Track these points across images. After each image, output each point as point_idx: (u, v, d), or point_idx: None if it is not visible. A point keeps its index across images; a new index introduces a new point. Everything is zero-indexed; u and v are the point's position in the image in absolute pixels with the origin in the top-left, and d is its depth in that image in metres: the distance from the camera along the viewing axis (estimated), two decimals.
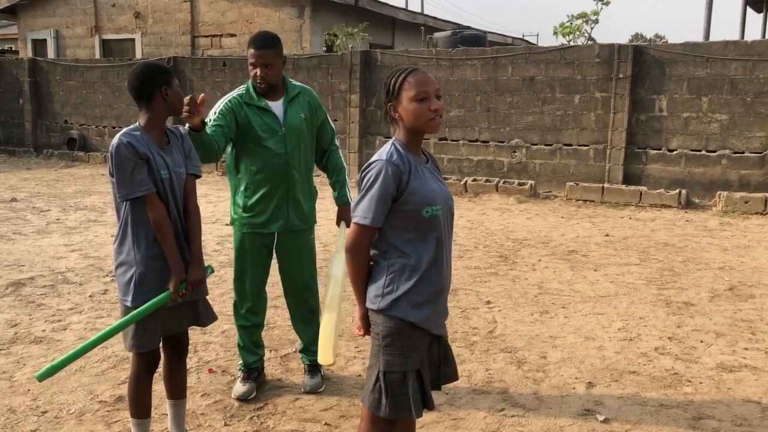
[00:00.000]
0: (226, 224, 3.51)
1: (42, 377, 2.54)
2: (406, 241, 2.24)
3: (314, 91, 3.67)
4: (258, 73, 3.32)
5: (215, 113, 3.36)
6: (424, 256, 2.25)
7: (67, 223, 8.26)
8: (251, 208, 3.48)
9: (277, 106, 3.43)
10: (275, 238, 3.54)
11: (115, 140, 2.68)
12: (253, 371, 3.66)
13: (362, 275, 2.30)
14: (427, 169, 2.31)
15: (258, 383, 3.65)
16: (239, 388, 3.57)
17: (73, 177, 12.80)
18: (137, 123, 2.77)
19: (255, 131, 3.39)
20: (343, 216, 3.58)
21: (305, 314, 3.71)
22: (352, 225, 2.27)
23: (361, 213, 2.21)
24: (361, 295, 2.32)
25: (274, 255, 3.62)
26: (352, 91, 12.14)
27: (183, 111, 2.91)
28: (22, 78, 16.12)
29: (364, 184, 2.22)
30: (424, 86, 2.22)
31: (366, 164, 2.26)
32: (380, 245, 2.28)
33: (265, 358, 3.85)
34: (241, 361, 3.71)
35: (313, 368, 3.71)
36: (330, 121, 3.70)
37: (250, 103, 3.40)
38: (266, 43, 3.32)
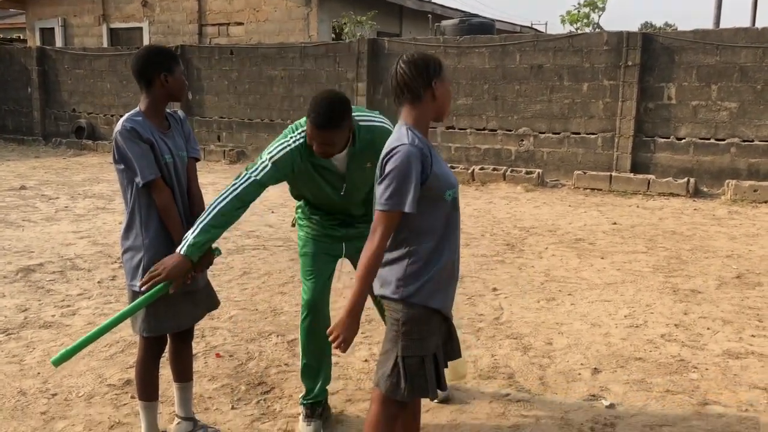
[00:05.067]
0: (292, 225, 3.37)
1: (57, 362, 2.57)
2: (428, 226, 2.21)
3: (385, 125, 2.96)
4: (316, 150, 2.77)
5: (269, 161, 2.80)
6: (444, 241, 2.23)
7: (76, 211, 8.31)
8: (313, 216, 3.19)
9: (339, 158, 2.90)
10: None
11: (118, 126, 2.69)
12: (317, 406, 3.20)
13: (374, 273, 2.20)
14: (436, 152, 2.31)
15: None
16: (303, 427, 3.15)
17: (81, 165, 12.86)
18: (138, 108, 2.77)
19: (315, 181, 2.98)
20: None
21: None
22: (382, 213, 2.16)
23: (395, 200, 2.12)
24: (364, 294, 2.20)
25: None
26: (359, 79, 12.12)
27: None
28: (30, 67, 16.16)
29: (390, 170, 2.13)
30: None
31: (388, 150, 2.17)
32: (400, 233, 2.22)
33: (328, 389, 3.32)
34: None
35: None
36: None
37: (310, 160, 2.88)
38: (329, 122, 2.67)
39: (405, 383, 2.24)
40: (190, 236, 2.65)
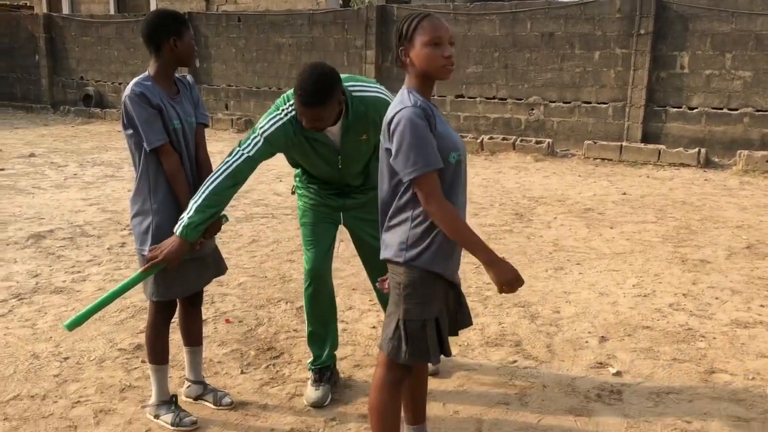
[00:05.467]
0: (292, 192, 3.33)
1: (70, 327, 2.59)
2: None
3: (380, 95, 2.87)
4: (306, 125, 2.71)
5: (261, 137, 2.74)
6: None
7: (85, 178, 8.34)
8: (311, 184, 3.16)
9: (333, 131, 2.83)
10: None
11: (127, 90, 2.67)
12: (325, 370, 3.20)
13: (462, 221, 2.19)
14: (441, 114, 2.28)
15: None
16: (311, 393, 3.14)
17: (89, 133, 12.86)
18: (147, 72, 2.75)
19: (309, 155, 2.92)
20: None
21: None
22: (418, 181, 2.11)
23: (422, 162, 2.09)
24: (478, 241, 2.19)
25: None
26: (367, 47, 11.99)
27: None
28: (37, 34, 16.08)
29: (401, 140, 2.10)
30: (438, 31, 2.15)
31: (392, 115, 2.15)
32: (405, 196, 2.21)
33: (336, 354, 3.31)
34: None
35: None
36: None
37: (303, 133, 2.81)
38: (316, 99, 2.60)
39: (406, 346, 2.25)
40: (185, 217, 2.64)
